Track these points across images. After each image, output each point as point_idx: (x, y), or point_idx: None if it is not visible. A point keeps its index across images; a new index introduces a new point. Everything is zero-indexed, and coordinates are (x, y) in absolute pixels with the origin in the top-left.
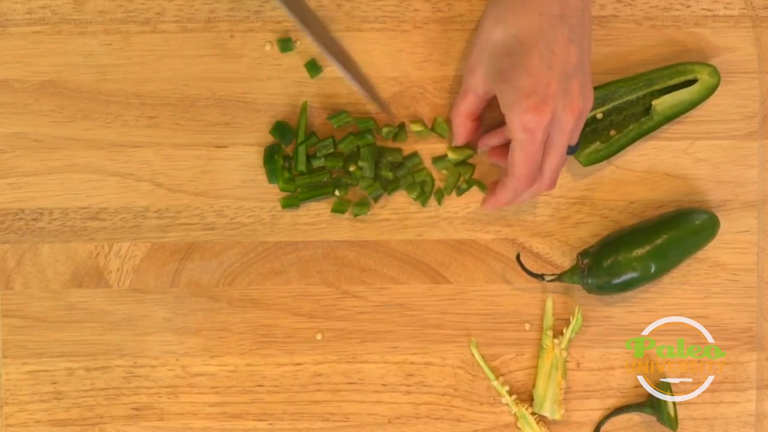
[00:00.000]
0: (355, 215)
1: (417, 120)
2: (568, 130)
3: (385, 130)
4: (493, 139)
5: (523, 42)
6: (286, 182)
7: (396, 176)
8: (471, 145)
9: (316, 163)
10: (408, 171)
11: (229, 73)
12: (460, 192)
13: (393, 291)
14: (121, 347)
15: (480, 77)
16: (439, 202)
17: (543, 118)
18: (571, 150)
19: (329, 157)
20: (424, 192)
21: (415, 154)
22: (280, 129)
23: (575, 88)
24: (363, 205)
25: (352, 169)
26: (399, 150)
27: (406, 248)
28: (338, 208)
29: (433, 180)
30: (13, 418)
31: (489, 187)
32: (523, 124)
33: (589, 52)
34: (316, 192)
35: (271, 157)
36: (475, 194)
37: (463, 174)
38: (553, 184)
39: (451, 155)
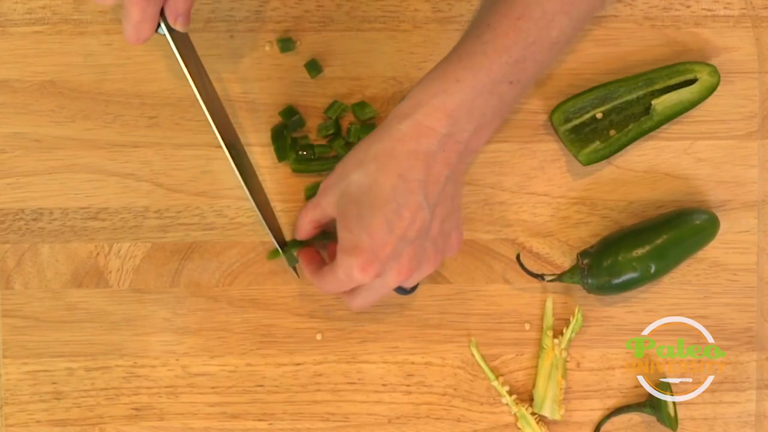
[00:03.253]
0: None
1: None
2: (389, 286)
3: None
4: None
5: (375, 197)
6: (297, 162)
7: None
8: None
9: (320, 151)
10: None
11: (229, 73)
12: None
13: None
14: (121, 347)
15: (331, 201)
16: None
17: (366, 276)
18: (404, 291)
19: (337, 144)
20: None
21: None
22: (290, 113)
23: (409, 254)
24: None
25: None
26: None
27: None
28: None
29: None
30: (13, 418)
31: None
32: (345, 270)
33: (448, 216)
34: (328, 164)
35: (280, 134)
36: (473, 194)
37: None
38: (359, 308)
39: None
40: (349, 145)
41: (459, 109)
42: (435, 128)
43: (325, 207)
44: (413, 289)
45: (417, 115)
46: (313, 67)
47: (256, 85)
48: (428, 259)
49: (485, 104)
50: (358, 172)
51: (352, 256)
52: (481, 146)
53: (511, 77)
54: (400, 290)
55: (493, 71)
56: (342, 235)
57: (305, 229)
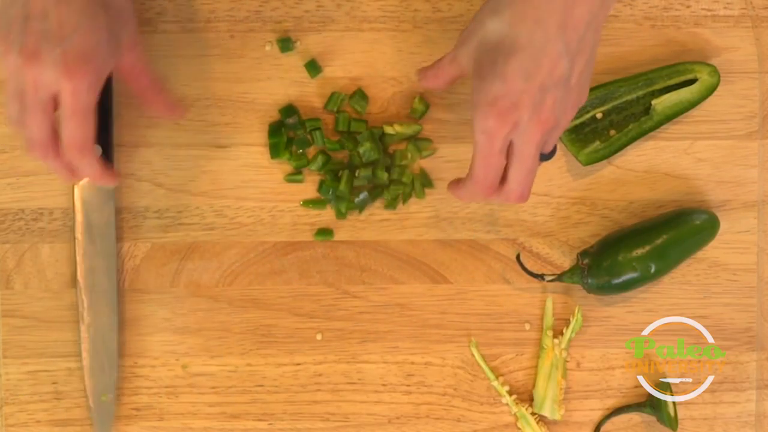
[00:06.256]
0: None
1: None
2: (534, 142)
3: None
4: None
5: (510, 44)
6: (296, 158)
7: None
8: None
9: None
10: (400, 170)
11: (229, 73)
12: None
13: (393, 291)
14: (120, 347)
15: (466, 54)
16: (404, 201)
17: (503, 126)
18: (545, 157)
19: (342, 138)
20: (404, 193)
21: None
22: (289, 111)
23: (549, 103)
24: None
25: (361, 150)
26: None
27: (406, 248)
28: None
29: (419, 180)
30: (13, 418)
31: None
32: (482, 127)
33: (586, 66)
34: (332, 165)
35: (278, 131)
36: None
37: (421, 149)
38: (522, 196)
39: (399, 129)
40: (347, 134)
41: None
42: None
43: (461, 60)
44: (553, 152)
45: None
46: (313, 67)
47: (256, 85)
48: (566, 110)
49: None
50: (494, 19)
51: (486, 105)
52: None
53: None
54: (541, 156)
55: None
56: (476, 85)
57: (439, 80)
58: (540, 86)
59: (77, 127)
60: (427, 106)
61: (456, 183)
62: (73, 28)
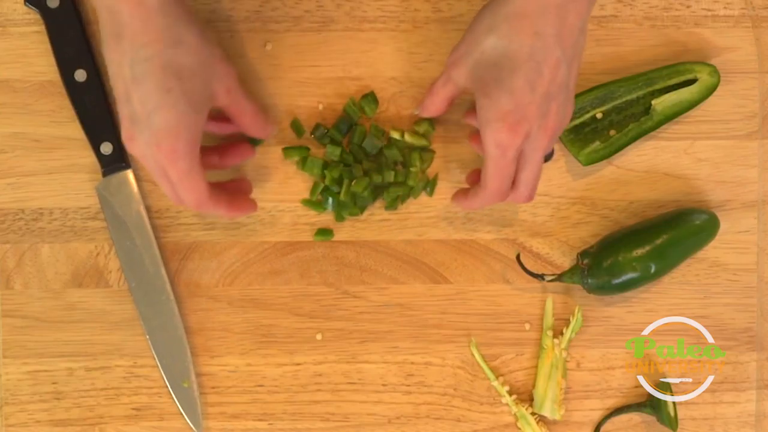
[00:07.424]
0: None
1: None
2: (542, 148)
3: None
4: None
5: (512, 59)
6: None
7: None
8: (427, 136)
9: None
10: (407, 171)
11: None
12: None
13: (393, 291)
14: (121, 347)
15: (462, 74)
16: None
17: (516, 138)
18: (546, 158)
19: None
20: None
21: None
22: (298, 127)
23: (553, 109)
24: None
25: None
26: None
27: (406, 248)
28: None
29: (425, 180)
30: (13, 418)
31: (468, 178)
32: (496, 142)
33: (578, 68)
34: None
35: (296, 148)
36: None
37: (424, 161)
38: (530, 196)
39: (409, 139)
40: (357, 148)
41: None
42: None
43: (456, 80)
44: (552, 153)
45: None
46: (297, 127)
47: (256, 85)
48: (567, 113)
49: None
50: (491, 36)
51: (498, 120)
52: None
53: None
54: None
55: None
56: (482, 103)
57: (438, 106)
58: (544, 95)
59: (187, 191)
60: (434, 128)
61: (462, 195)
62: (153, 107)
